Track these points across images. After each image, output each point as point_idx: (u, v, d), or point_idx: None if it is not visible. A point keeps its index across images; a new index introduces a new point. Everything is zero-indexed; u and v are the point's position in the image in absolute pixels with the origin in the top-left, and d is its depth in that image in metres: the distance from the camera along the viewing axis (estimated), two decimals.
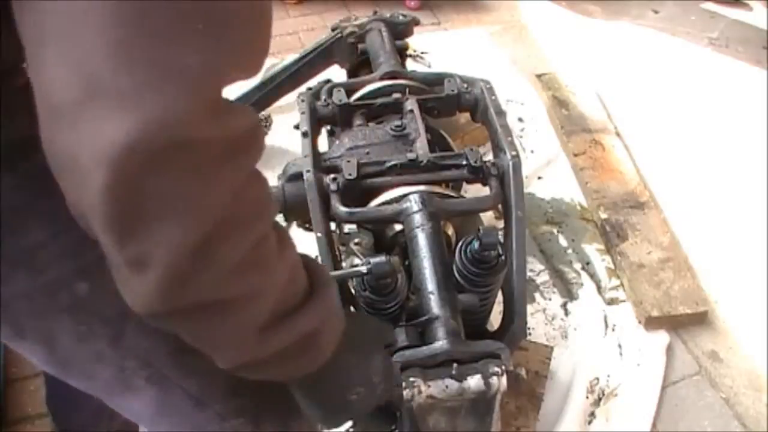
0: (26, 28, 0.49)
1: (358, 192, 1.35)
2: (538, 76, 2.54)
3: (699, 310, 1.73)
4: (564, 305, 1.79)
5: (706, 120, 2.38)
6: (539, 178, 2.18)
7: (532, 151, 2.26)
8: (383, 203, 1.32)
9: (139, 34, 0.45)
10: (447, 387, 1.05)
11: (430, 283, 1.18)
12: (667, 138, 2.31)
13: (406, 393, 1.07)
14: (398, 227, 1.35)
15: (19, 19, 0.49)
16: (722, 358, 1.69)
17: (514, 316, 1.21)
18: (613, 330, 1.72)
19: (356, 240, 1.38)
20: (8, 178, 0.67)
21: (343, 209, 1.29)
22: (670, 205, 2.04)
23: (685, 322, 1.74)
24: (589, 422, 1.52)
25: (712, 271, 1.87)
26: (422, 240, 1.21)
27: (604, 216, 1.97)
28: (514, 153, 1.32)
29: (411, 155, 1.33)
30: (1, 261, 0.70)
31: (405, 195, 1.29)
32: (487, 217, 1.78)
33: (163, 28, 0.46)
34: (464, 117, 1.62)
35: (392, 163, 1.33)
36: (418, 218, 1.24)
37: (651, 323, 1.71)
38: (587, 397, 1.56)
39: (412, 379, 1.08)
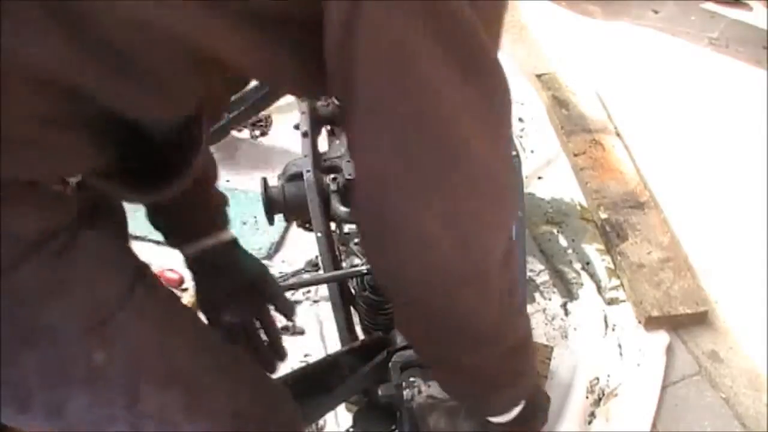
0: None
1: None
2: (538, 76, 2.54)
3: (699, 310, 1.73)
4: (564, 305, 1.79)
5: (706, 120, 2.38)
6: (539, 178, 2.18)
7: (532, 151, 2.26)
8: None
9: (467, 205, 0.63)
10: None
11: None
12: (667, 138, 2.31)
13: (406, 393, 1.07)
14: None
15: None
16: (722, 358, 1.69)
17: None
18: (613, 330, 1.73)
19: (356, 240, 1.39)
20: (32, 261, 0.68)
21: (343, 209, 1.29)
22: (670, 205, 2.05)
23: (685, 322, 1.74)
24: (589, 422, 1.52)
25: (712, 271, 1.87)
26: None
27: (604, 216, 1.97)
28: (513, 153, 1.32)
29: None
30: (17, 341, 0.70)
31: None
32: None
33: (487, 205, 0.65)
34: None
35: None
36: None
37: (651, 323, 1.71)
38: (587, 397, 1.56)
39: (412, 379, 1.08)
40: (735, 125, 2.36)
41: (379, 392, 1.12)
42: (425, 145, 0.59)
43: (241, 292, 1.09)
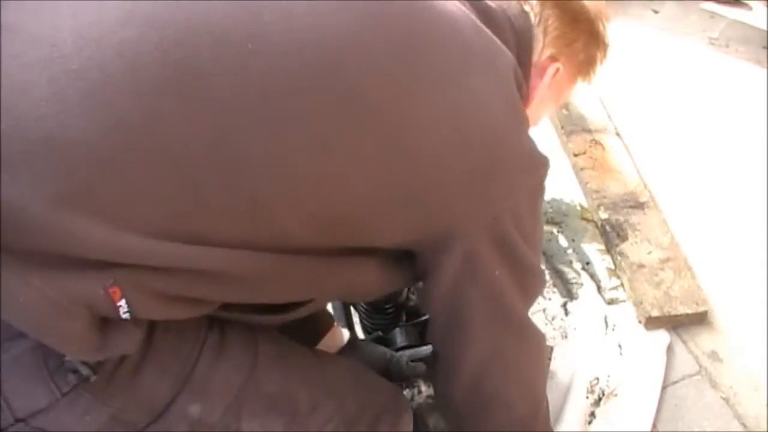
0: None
1: None
2: None
3: (699, 310, 1.73)
4: (564, 305, 1.79)
5: (706, 120, 2.38)
6: None
7: None
8: None
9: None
10: None
11: None
12: (667, 138, 2.31)
13: (406, 393, 1.07)
14: None
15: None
16: (722, 358, 1.69)
17: None
18: (613, 330, 1.72)
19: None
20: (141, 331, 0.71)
21: None
22: (670, 205, 2.04)
23: (685, 322, 1.74)
24: (589, 422, 1.52)
25: (712, 271, 1.87)
26: None
27: (604, 216, 1.97)
28: None
29: None
30: (118, 424, 0.71)
31: None
32: None
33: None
34: None
35: None
36: None
37: (651, 323, 1.71)
38: (587, 397, 1.56)
39: (412, 379, 1.08)
40: (735, 125, 2.36)
41: None
42: (512, 338, 0.87)
43: None
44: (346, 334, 1.13)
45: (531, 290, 0.88)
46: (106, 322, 0.64)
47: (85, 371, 0.65)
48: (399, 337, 1.16)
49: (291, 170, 0.64)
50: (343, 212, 0.69)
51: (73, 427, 0.68)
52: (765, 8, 3.08)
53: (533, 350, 0.92)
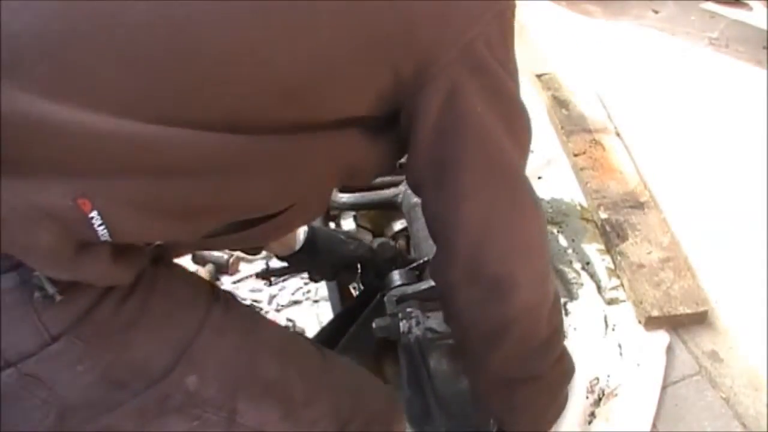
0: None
1: (358, 191, 1.35)
2: (538, 76, 2.54)
3: (699, 310, 1.73)
4: (564, 305, 1.79)
5: (706, 120, 2.38)
6: (539, 178, 2.18)
7: (532, 151, 2.24)
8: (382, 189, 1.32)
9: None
10: None
11: (427, 233, 1.18)
12: (667, 138, 2.31)
13: (402, 325, 1.02)
14: (397, 227, 1.34)
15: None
16: (722, 358, 1.69)
17: None
18: (613, 330, 1.72)
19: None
20: (134, 298, 0.72)
21: (343, 196, 1.29)
22: (670, 205, 2.04)
23: (685, 322, 1.74)
24: (589, 422, 1.52)
25: (712, 271, 1.87)
26: (420, 208, 1.22)
27: (604, 216, 1.97)
28: None
29: None
30: (111, 382, 0.71)
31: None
32: None
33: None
34: None
35: None
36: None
37: (651, 323, 1.70)
38: (587, 397, 1.55)
39: (409, 309, 1.03)
40: (735, 125, 2.36)
41: (374, 326, 1.06)
42: (504, 187, 0.80)
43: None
44: (302, 230, 1.11)
45: (520, 133, 0.81)
46: (81, 245, 0.63)
47: (51, 289, 0.64)
48: (395, 278, 1.13)
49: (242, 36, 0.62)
50: (307, 75, 0.65)
51: (65, 377, 0.68)
52: (765, 8, 3.08)
53: (531, 212, 0.83)
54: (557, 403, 1.00)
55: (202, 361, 0.76)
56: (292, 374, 0.84)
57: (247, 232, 0.78)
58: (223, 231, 0.76)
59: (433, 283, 1.06)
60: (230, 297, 0.85)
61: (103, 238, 0.62)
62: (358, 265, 1.18)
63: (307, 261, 1.13)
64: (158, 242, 0.73)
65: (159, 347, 0.73)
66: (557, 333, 0.92)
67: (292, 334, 0.91)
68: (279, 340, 0.88)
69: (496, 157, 0.78)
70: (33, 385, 0.66)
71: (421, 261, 1.15)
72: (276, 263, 1.20)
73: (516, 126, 0.81)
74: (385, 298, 1.09)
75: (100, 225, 0.61)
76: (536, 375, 0.89)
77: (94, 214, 0.60)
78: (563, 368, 0.95)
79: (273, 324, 0.88)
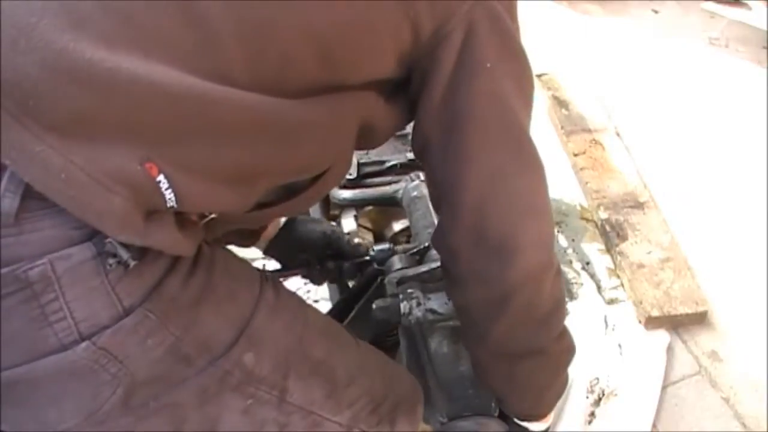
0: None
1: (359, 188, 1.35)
2: (538, 76, 2.54)
3: (699, 310, 1.73)
4: None
5: (705, 120, 2.38)
6: None
7: None
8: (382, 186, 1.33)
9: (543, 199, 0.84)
10: (448, 302, 1.01)
11: (427, 222, 1.19)
12: (667, 138, 2.31)
13: (403, 306, 1.01)
14: (398, 227, 1.35)
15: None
16: (722, 358, 1.69)
17: None
18: (613, 330, 1.72)
19: (356, 240, 1.38)
20: (198, 274, 0.74)
21: (344, 192, 1.29)
22: (670, 205, 2.04)
23: (685, 322, 1.74)
24: (589, 422, 1.52)
25: (712, 271, 1.87)
26: (420, 201, 1.25)
27: (604, 216, 1.97)
28: None
29: (410, 155, 1.33)
30: (178, 358, 0.71)
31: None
32: None
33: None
34: None
35: (392, 162, 1.33)
36: (414, 187, 1.27)
37: (651, 323, 1.71)
38: (587, 397, 1.55)
39: (410, 290, 1.02)
40: (735, 125, 2.36)
41: (374, 307, 1.04)
42: (511, 147, 0.79)
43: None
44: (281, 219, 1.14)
45: (527, 88, 0.81)
46: (149, 213, 0.64)
47: (125, 255, 0.64)
48: (396, 262, 1.13)
49: None
50: (341, 23, 0.69)
51: (135, 352, 0.68)
52: (765, 8, 3.08)
53: (537, 173, 0.82)
54: (558, 383, 0.97)
55: (259, 339, 0.77)
56: (336, 355, 0.87)
57: (293, 201, 0.81)
58: (272, 201, 0.79)
59: (434, 265, 1.07)
60: (277, 278, 0.86)
61: (170, 203, 0.63)
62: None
63: (282, 245, 1.16)
64: (213, 215, 0.75)
65: (222, 324, 0.74)
66: (559, 306, 0.90)
67: (330, 318, 0.92)
68: (323, 322, 0.90)
69: (506, 116, 0.78)
70: (105, 359, 0.66)
71: (422, 246, 1.15)
72: (272, 265, 1.21)
73: (524, 83, 0.80)
74: (386, 281, 1.09)
75: (167, 189, 0.62)
76: (538, 349, 0.88)
77: (161, 178, 0.62)
78: (565, 345, 0.93)
79: (315, 309, 0.89)
